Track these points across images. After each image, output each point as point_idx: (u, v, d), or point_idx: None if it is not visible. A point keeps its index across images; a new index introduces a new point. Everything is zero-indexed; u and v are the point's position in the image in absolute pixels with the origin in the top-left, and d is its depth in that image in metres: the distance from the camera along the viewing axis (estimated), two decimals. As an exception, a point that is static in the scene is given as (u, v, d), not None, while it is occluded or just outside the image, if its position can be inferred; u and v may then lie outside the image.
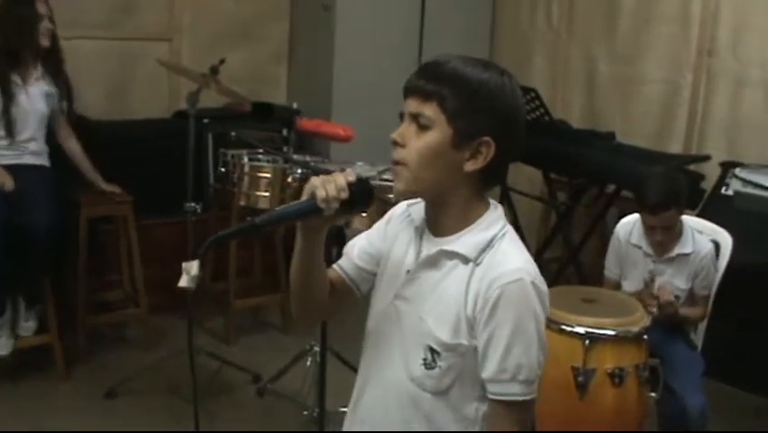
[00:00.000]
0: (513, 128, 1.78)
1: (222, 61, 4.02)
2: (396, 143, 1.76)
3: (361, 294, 2.00)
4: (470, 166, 1.74)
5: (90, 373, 4.32)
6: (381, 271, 1.94)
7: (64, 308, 4.37)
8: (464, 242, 1.78)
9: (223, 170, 4.06)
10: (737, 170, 4.51)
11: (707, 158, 4.90)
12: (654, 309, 3.26)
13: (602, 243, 4.96)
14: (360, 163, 3.89)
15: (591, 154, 4.88)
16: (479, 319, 1.73)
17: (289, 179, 3.84)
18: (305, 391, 3.91)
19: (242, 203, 4.07)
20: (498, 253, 1.75)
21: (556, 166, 5.12)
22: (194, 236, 4.04)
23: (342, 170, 1.78)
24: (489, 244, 1.76)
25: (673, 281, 3.42)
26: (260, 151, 4.05)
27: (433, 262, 1.81)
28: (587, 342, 2.95)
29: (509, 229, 1.82)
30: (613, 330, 2.99)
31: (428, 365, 1.78)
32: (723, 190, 4.51)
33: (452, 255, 1.78)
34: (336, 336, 3.76)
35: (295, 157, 3.99)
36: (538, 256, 5.32)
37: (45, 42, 4.24)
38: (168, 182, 4.37)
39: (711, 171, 4.77)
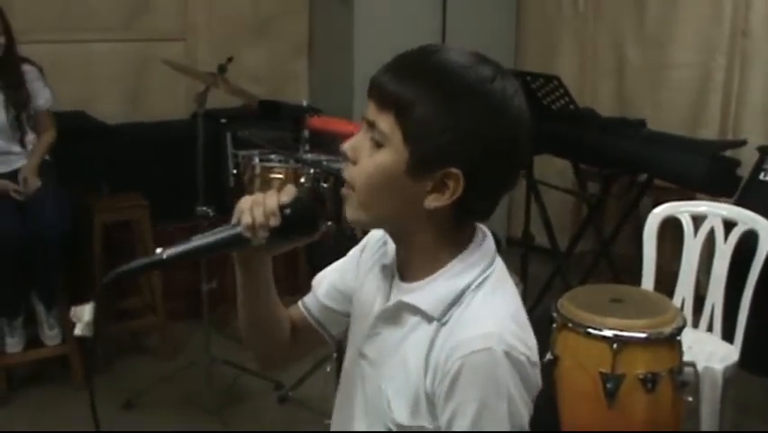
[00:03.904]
0: (495, 159, 1.35)
1: (230, 60, 3.89)
2: (347, 157, 1.42)
3: (331, 337, 1.67)
4: (432, 202, 1.36)
5: (108, 383, 4.21)
6: (353, 312, 1.60)
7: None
8: (428, 293, 1.40)
9: (235, 171, 3.94)
10: (775, 155, 4.34)
11: (743, 143, 4.73)
12: None
13: (635, 234, 4.80)
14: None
15: (621, 143, 4.72)
16: (438, 396, 1.35)
17: (302, 180, 3.70)
18: (327, 397, 3.79)
19: (255, 206, 3.95)
20: (467, 310, 1.37)
21: (585, 156, 4.95)
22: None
23: (281, 188, 1.44)
24: (458, 298, 1.38)
25: None
26: (272, 151, 3.93)
27: (392, 316, 1.45)
28: (615, 345, 2.76)
29: (494, 272, 1.42)
30: (643, 332, 2.81)
31: None
32: (761, 176, 4.36)
33: (414, 310, 1.41)
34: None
35: (309, 156, 3.85)
36: (570, 250, 5.19)
37: None
38: (186, 185, 4.25)
39: (748, 157, 4.59)
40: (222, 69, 3.87)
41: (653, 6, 5.35)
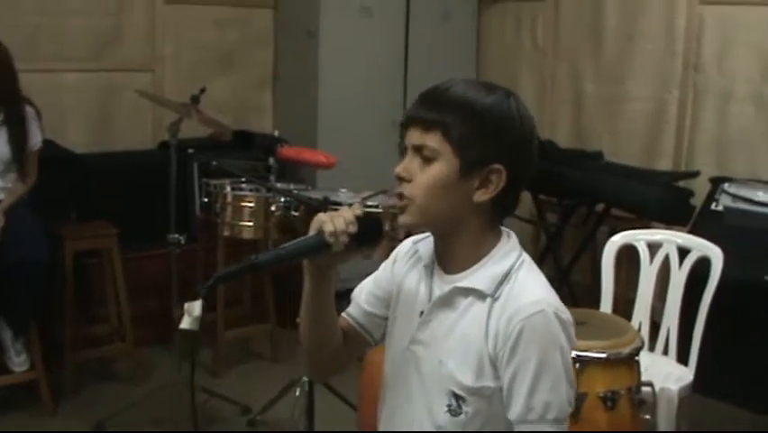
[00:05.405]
0: (524, 152, 1.69)
1: (202, 90, 3.97)
2: (401, 178, 1.69)
3: (374, 341, 1.92)
4: (480, 196, 1.67)
5: (77, 409, 4.25)
6: (392, 314, 1.85)
7: (50, 343, 4.32)
8: (479, 276, 1.69)
9: (206, 200, 4.02)
10: (726, 186, 4.54)
11: (696, 174, 4.90)
12: None
13: (593, 262, 4.94)
14: (343, 190, 3.85)
15: (580, 174, 4.87)
16: (501, 358, 1.64)
17: (273, 208, 3.79)
18: (294, 421, 3.86)
19: (226, 233, 4.05)
20: (515, 286, 1.67)
21: (545, 187, 5.10)
22: (178, 268, 4.00)
23: (349, 205, 1.71)
24: (505, 277, 1.68)
25: None
26: (243, 180, 4.01)
27: (447, 301, 1.72)
28: (577, 365, 2.85)
29: (526, 258, 1.73)
30: (603, 352, 2.92)
31: (453, 412, 1.69)
32: (713, 206, 4.53)
33: (468, 292, 1.70)
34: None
35: (278, 185, 3.94)
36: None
37: None
38: (153, 214, 4.32)
39: (701, 187, 4.76)
40: (195, 99, 3.96)
41: (609, 41, 5.53)
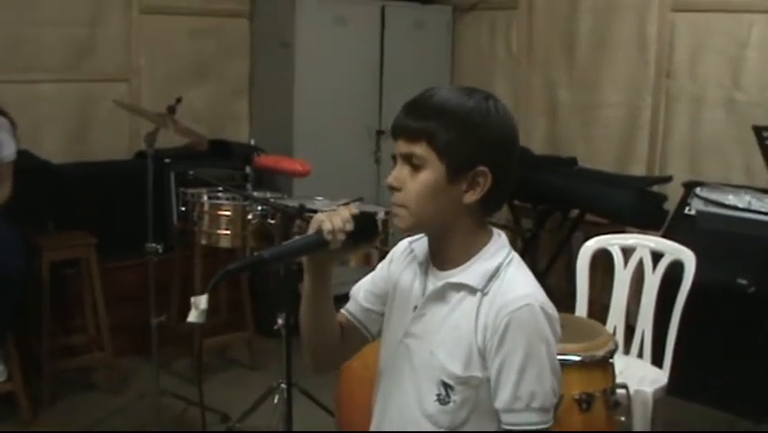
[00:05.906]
0: (507, 153, 1.76)
1: (178, 100, 3.99)
2: (392, 188, 1.76)
3: (371, 336, 2.00)
4: (469, 198, 1.74)
5: (56, 419, 4.24)
6: (388, 310, 1.94)
7: (27, 353, 4.31)
8: (470, 272, 1.77)
9: (183, 209, 4.03)
10: (698, 190, 4.58)
11: (669, 179, 4.95)
12: None
13: (568, 267, 4.98)
14: (319, 198, 3.87)
15: (554, 180, 4.91)
16: (489, 349, 1.72)
17: (249, 216, 3.81)
18: (273, 429, 3.87)
19: (204, 242, 4.05)
20: (504, 281, 1.74)
21: (520, 193, 5.13)
22: (156, 277, 4.01)
23: (347, 205, 1.79)
24: (495, 273, 1.75)
25: None
26: (220, 189, 4.02)
27: (440, 296, 1.80)
28: (553, 368, 2.91)
29: (515, 256, 1.81)
30: (578, 355, 2.96)
31: (442, 400, 1.76)
32: (686, 210, 4.57)
33: (459, 287, 1.78)
34: (303, 372, 3.71)
35: (254, 194, 3.96)
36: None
37: None
38: (131, 223, 4.31)
39: (674, 192, 4.81)
40: (171, 109, 3.97)
41: (582, 49, 5.58)
